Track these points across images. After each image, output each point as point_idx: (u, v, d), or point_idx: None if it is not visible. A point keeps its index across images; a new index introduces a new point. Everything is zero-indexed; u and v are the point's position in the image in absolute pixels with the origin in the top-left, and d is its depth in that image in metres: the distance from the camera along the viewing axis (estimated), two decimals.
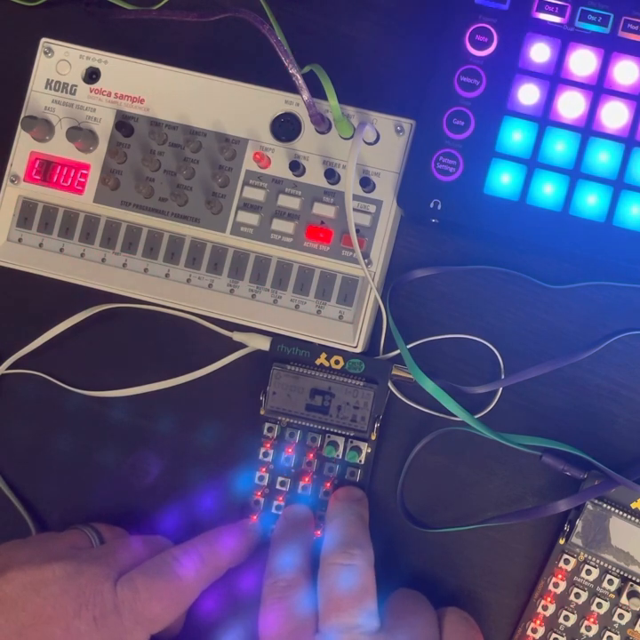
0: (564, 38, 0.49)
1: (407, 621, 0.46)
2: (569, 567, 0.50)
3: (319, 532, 0.51)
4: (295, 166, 0.51)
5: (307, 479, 0.52)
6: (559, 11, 0.49)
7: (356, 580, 0.46)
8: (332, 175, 0.51)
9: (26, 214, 0.54)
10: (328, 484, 0.51)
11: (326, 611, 0.45)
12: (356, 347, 0.51)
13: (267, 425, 0.52)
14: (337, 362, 0.52)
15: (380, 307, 0.52)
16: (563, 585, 0.50)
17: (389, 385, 0.52)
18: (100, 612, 0.45)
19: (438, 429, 0.52)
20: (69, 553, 0.47)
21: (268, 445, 0.52)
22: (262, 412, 0.52)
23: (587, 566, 0.49)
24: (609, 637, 0.49)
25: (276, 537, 0.50)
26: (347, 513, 0.49)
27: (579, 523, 0.49)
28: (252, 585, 0.50)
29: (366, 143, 0.52)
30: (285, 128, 0.52)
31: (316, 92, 0.49)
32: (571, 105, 0.49)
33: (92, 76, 0.54)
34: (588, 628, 0.49)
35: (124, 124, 0.53)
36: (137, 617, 0.45)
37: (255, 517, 0.51)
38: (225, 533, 0.50)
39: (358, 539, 0.48)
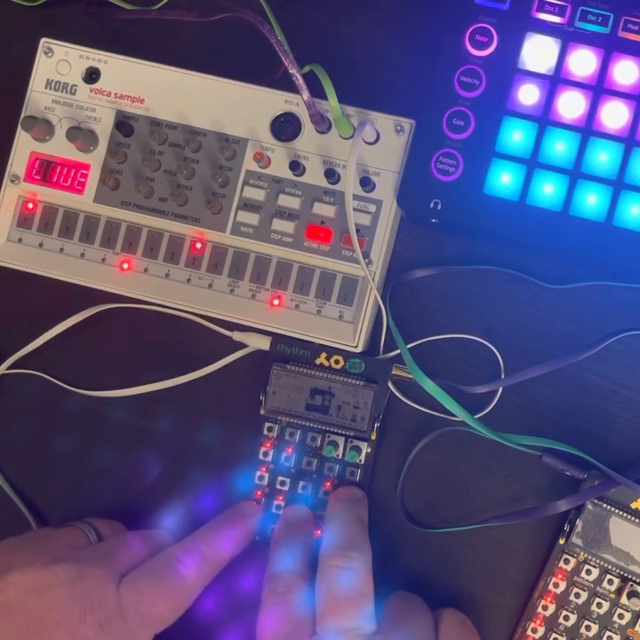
0: (564, 38, 0.49)
1: (404, 624, 0.46)
2: (569, 567, 0.50)
3: (319, 532, 0.51)
4: (295, 166, 0.51)
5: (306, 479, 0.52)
6: (559, 11, 0.49)
7: (354, 583, 0.46)
8: (331, 175, 0.51)
9: (26, 214, 0.54)
10: (328, 484, 0.51)
11: (323, 613, 0.45)
12: (356, 346, 0.51)
13: (267, 424, 0.52)
14: (337, 361, 0.52)
15: (380, 306, 0.52)
16: (563, 585, 0.50)
17: (389, 385, 0.52)
18: (105, 616, 0.44)
19: (438, 429, 0.52)
20: (70, 553, 0.47)
21: (268, 445, 0.52)
22: (262, 412, 0.52)
23: (587, 566, 0.49)
24: (609, 637, 0.49)
25: (276, 538, 0.50)
26: (346, 514, 0.49)
27: (579, 523, 0.49)
28: (252, 585, 0.50)
29: (366, 143, 0.52)
30: (285, 128, 0.52)
31: (316, 92, 0.49)
32: (571, 105, 0.49)
33: (91, 76, 0.54)
34: (588, 628, 0.49)
35: (124, 124, 0.53)
36: (142, 619, 0.45)
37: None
38: (223, 525, 0.50)
39: (357, 541, 0.48)
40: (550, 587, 0.50)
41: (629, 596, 0.49)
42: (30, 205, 0.54)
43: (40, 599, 0.44)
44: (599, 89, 0.49)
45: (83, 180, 0.53)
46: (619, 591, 0.49)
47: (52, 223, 0.54)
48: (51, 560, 0.46)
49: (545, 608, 0.50)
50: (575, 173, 0.49)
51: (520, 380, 0.52)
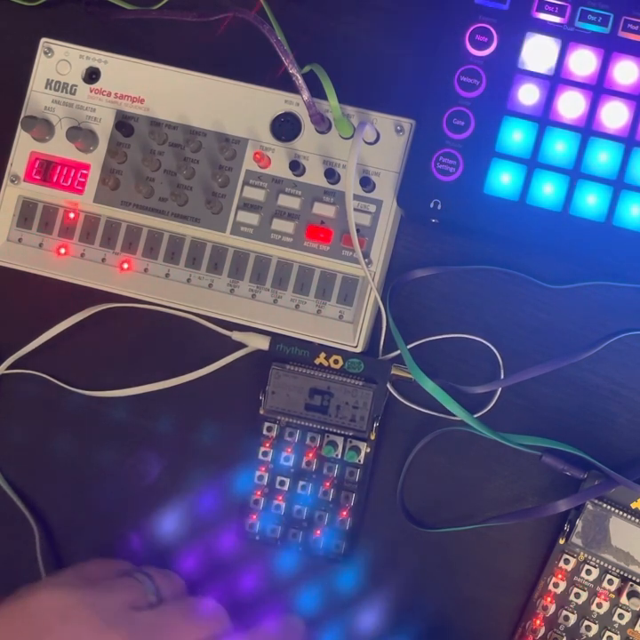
0: (564, 38, 0.49)
1: None
2: (569, 567, 0.50)
3: (319, 532, 0.51)
4: (295, 166, 0.51)
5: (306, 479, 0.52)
6: (559, 11, 0.49)
7: None
8: (331, 175, 0.51)
9: (26, 214, 0.54)
10: (327, 484, 0.51)
11: None
12: (356, 346, 0.51)
13: (266, 424, 0.52)
14: (336, 361, 0.52)
15: (379, 307, 0.52)
16: (563, 585, 0.50)
17: (388, 385, 0.52)
18: None
19: (438, 429, 0.52)
20: (127, 617, 0.44)
21: (268, 445, 0.52)
22: (262, 412, 0.52)
23: (587, 566, 0.49)
24: (609, 637, 0.49)
25: None
26: None
27: (579, 523, 0.49)
28: (252, 585, 0.50)
29: (366, 143, 0.52)
30: (285, 128, 0.52)
31: (316, 92, 0.49)
32: (571, 105, 0.49)
33: (91, 76, 0.54)
34: (588, 628, 0.49)
35: (124, 124, 0.53)
36: None
37: (254, 517, 0.52)
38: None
39: None
40: (550, 587, 0.50)
41: (629, 596, 0.49)
42: (30, 205, 0.54)
43: None
44: (599, 89, 0.49)
45: (83, 179, 0.53)
46: (619, 591, 0.49)
47: (52, 223, 0.54)
48: (107, 622, 0.43)
49: (545, 608, 0.50)
50: (575, 173, 0.49)
51: (520, 380, 0.52)
